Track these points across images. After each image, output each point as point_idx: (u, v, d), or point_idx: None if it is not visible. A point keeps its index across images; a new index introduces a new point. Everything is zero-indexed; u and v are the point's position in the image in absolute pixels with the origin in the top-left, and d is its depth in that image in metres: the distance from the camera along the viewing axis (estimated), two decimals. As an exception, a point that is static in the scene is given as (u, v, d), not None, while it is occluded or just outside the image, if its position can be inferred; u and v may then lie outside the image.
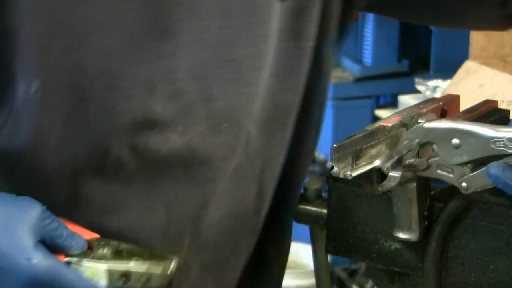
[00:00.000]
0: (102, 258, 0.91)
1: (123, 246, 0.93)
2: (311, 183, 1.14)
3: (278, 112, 1.09)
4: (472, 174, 0.91)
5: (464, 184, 0.92)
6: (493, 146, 0.88)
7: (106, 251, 0.92)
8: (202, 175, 1.03)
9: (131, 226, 1.01)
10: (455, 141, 0.90)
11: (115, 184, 1.00)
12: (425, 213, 0.98)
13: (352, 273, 3.18)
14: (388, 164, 0.91)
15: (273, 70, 1.06)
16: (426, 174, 0.93)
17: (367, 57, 3.59)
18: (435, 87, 2.84)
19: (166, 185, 1.02)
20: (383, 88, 3.63)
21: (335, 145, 0.92)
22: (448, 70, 2.84)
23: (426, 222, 0.99)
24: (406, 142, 0.93)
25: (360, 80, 3.50)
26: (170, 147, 1.00)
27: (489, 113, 1.10)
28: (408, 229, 0.96)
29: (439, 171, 0.93)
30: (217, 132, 1.02)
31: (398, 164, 0.92)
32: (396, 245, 1.03)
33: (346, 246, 1.07)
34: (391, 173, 0.92)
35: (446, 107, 1.10)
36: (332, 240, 1.09)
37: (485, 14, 1.19)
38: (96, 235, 0.94)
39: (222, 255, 1.11)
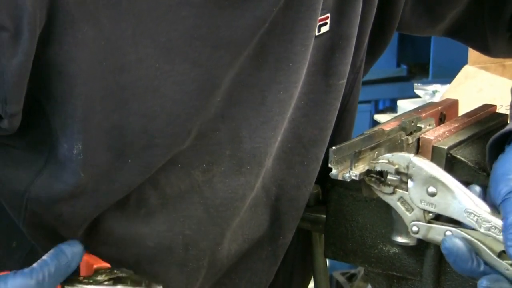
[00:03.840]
0: (94, 282, 0.93)
1: (123, 274, 0.94)
2: (310, 187, 1.14)
3: (299, 145, 1.07)
4: (429, 224, 0.91)
5: (415, 228, 0.92)
6: (465, 215, 0.88)
7: (103, 277, 0.93)
8: (222, 214, 1.02)
9: (149, 261, 1.01)
10: (432, 189, 0.89)
11: (136, 221, 0.99)
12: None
13: (351, 278, 3.17)
14: (357, 172, 0.90)
15: (299, 102, 1.05)
16: (385, 198, 0.93)
17: (366, 62, 3.58)
18: (434, 92, 2.84)
19: (186, 224, 1.01)
20: (382, 93, 3.63)
21: (333, 148, 0.92)
22: (447, 75, 2.84)
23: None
24: (385, 161, 0.92)
25: (359, 84, 3.49)
26: (191, 183, 1.00)
27: (488, 117, 1.10)
28: (407, 234, 0.95)
29: (399, 204, 0.92)
30: (239, 173, 1.01)
31: (366, 175, 0.92)
32: (395, 250, 1.03)
33: (345, 251, 1.07)
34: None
35: (445, 111, 1.10)
36: (331, 245, 1.09)
37: (500, 41, 1.19)
38: (107, 265, 0.95)
39: (236, 275, 1.10)
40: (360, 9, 1.08)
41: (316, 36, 1.03)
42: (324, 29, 1.05)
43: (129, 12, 0.89)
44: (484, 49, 1.23)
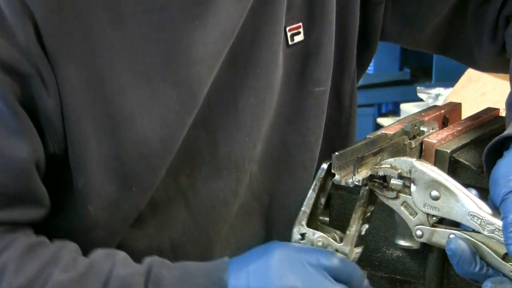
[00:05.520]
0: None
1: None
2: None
3: (285, 153, 1.10)
4: (433, 228, 0.91)
5: (419, 232, 0.92)
6: (469, 218, 0.88)
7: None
8: (205, 218, 1.05)
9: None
10: (435, 193, 0.90)
11: (129, 226, 1.02)
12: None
13: (354, 281, 3.16)
14: (360, 177, 0.91)
15: (283, 111, 1.08)
16: (389, 203, 0.93)
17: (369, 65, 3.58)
18: (437, 95, 2.85)
19: (173, 228, 1.04)
20: (385, 96, 3.64)
21: (336, 153, 0.92)
22: (450, 78, 2.84)
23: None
24: (388, 166, 0.92)
25: (362, 88, 3.50)
26: (177, 188, 1.02)
27: (491, 121, 1.10)
28: (410, 237, 0.95)
29: (402, 208, 0.92)
30: (218, 177, 1.04)
31: (369, 180, 0.92)
32: (398, 253, 1.03)
33: (348, 254, 1.07)
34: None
35: (448, 115, 1.11)
36: (334, 248, 1.09)
37: (485, 54, 1.18)
38: None
39: None
40: (334, 16, 1.10)
41: (290, 45, 1.07)
42: (298, 38, 1.08)
43: (102, 44, 0.92)
44: (472, 64, 1.23)
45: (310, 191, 0.95)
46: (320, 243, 0.94)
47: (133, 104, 0.94)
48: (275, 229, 1.12)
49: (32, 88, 0.90)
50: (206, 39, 0.97)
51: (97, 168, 0.94)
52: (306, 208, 0.95)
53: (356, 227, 0.93)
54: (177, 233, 1.04)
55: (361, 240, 0.94)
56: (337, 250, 0.93)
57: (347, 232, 0.93)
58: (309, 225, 0.95)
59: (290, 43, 1.07)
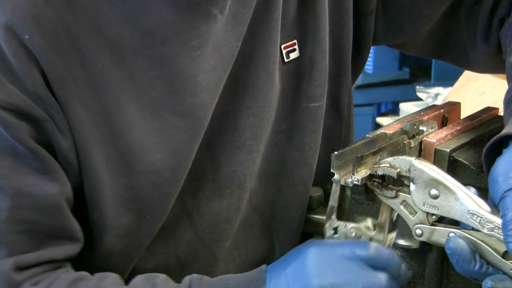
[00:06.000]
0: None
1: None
2: (313, 190, 1.14)
3: (285, 168, 1.11)
4: (432, 227, 0.91)
5: (418, 231, 0.92)
6: (469, 217, 0.88)
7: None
8: (209, 237, 1.07)
9: None
10: (434, 191, 0.90)
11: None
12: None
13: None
14: (359, 177, 0.91)
15: (281, 126, 1.09)
16: (388, 202, 0.93)
17: (368, 65, 3.59)
18: (436, 95, 2.85)
19: (179, 247, 1.06)
20: (384, 96, 3.63)
21: (336, 153, 0.92)
22: (449, 78, 2.84)
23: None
24: (386, 165, 0.92)
25: (361, 87, 3.51)
26: (183, 208, 1.04)
27: (490, 120, 1.10)
28: (409, 237, 0.95)
29: (402, 207, 0.92)
30: (221, 196, 1.06)
31: (368, 179, 0.92)
32: (397, 253, 1.03)
33: (347, 254, 1.07)
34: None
35: (447, 114, 1.11)
36: (333, 248, 1.09)
37: (480, 56, 1.18)
38: None
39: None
40: (326, 32, 1.10)
41: (286, 63, 1.08)
42: (294, 55, 1.09)
43: (107, 83, 0.94)
44: (468, 66, 1.23)
45: (334, 185, 0.95)
46: (353, 234, 0.94)
47: (142, 137, 0.96)
48: (277, 241, 1.13)
49: (46, 131, 0.93)
50: (208, 67, 0.99)
51: (111, 201, 0.96)
52: (333, 202, 0.95)
53: (386, 213, 0.93)
54: (183, 252, 1.06)
55: (393, 226, 0.94)
56: (371, 239, 0.93)
57: (379, 219, 0.93)
58: (339, 217, 0.95)
59: (286, 60, 1.09)
